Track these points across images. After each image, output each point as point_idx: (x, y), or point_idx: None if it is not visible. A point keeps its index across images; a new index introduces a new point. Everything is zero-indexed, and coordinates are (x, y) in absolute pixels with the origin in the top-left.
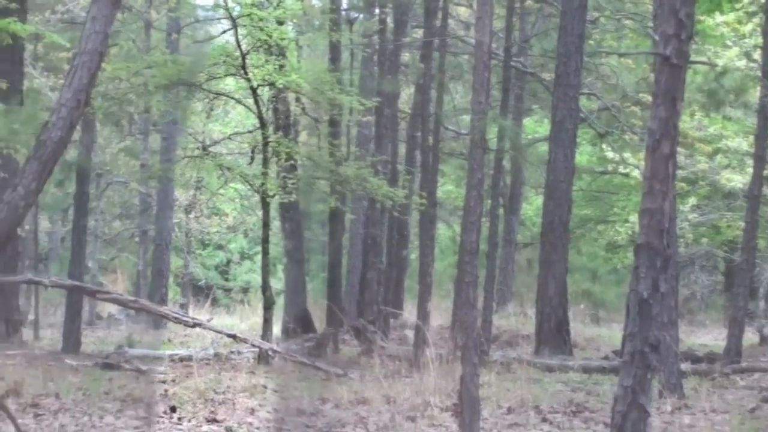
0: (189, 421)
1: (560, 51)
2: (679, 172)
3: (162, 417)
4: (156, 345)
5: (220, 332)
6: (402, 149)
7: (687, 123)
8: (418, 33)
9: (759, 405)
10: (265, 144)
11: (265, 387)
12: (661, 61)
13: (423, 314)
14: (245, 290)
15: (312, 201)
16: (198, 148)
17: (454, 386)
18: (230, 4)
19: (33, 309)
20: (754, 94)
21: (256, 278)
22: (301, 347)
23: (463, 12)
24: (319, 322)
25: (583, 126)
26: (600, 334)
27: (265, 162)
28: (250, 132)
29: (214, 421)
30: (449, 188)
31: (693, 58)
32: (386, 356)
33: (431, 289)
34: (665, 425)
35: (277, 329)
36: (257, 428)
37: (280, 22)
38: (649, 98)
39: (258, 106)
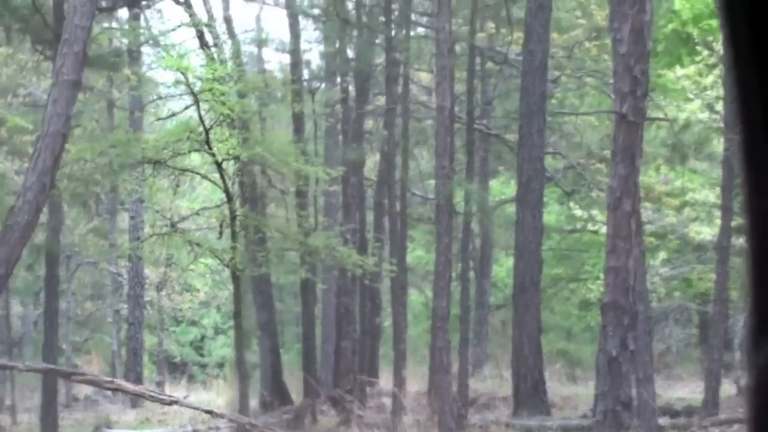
0: None
1: (523, 111)
2: (648, 227)
3: None
4: (134, 425)
5: (197, 409)
6: (370, 216)
7: (652, 177)
8: (381, 100)
9: None
10: (233, 218)
11: None
12: (619, 119)
13: (399, 381)
14: (221, 365)
15: (283, 272)
16: (166, 225)
17: None
18: (191, 80)
19: (9, 394)
20: (718, 146)
21: (231, 353)
22: (279, 420)
23: (424, 77)
24: (296, 393)
25: (550, 185)
26: (577, 392)
27: (234, 236)
28: (217, 206)
29: None
30: (419, 253)
31: (654, 113)
32: (364, 425)
33: (406, 356)
34: None
35: (254, 402)
36: None
37: (242, 95)
38: None
39: (224, 180)
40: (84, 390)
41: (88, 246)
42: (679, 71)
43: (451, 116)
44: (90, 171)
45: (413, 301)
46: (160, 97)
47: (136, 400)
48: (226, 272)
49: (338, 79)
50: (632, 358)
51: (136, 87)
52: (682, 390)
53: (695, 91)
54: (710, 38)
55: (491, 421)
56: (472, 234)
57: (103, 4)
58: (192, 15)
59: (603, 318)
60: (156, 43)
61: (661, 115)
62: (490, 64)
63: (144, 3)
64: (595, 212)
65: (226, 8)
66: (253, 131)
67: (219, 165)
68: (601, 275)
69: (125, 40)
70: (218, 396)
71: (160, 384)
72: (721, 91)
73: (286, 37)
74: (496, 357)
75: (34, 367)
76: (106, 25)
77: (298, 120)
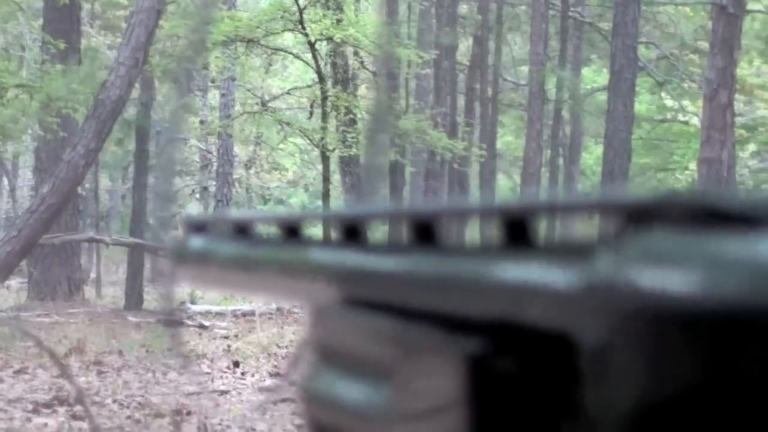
0: (252, 375)
1: (617, 0)
2: (738, 119)
3: (225, 372)
4: (218, 301)
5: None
6: (461, 101)
7: (745, 70)
8: None
9: None
10: (324, 98)
11: None
12: (718, 10)
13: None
14: None
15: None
16: (257, 104)
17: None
18: None
19: (95, 267)
20: None
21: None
22: None
23: None
24: None
25: (642, 75)
26: None
27: (324, 116)
28: (308, 87)
29: (277, 375)
30: (509, 139)
31: (752, 5)
32: None
33: None
34: None
35: None
36: None
37: None
38: (707, 46)
39: (316, 61)
40: (169, 265)
41: (178, 122)
42: None
43: (546, 2)
44: (183, 48)
45: (501, 186)
46: None
47: None
48: (315, 152)
49: None
50: None
51: None
52: None
53: None
54: None
55: None
56: (563, 121)
57: None
58: None
59: None
60: None
61: (759, 6)
62: None
63: None
64: (686, 103)
65: None
66: (347, 12)
67: (312, 45)
68: (690, 165)
69: None
70: None
71: None
72: None
73: None
74: None
75: (121, 240)
76: None
77: (392, 2)
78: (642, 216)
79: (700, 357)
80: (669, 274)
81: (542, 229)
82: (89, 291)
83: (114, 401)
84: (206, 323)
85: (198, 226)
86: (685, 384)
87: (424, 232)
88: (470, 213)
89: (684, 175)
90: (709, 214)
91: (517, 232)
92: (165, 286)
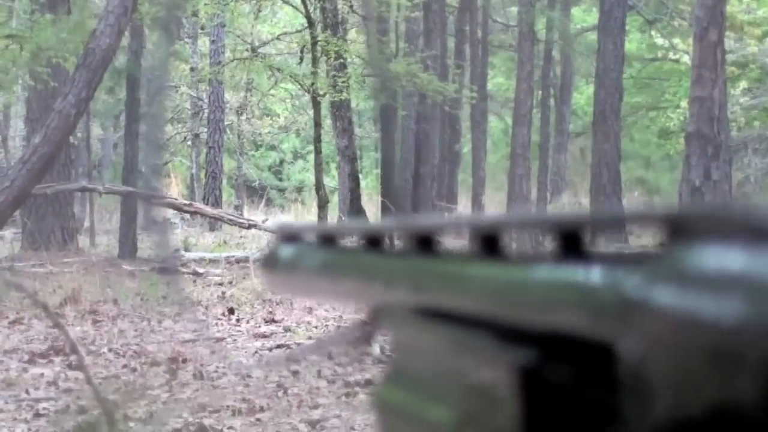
0: (247, 322)
1: None
2: (729, 56)
3: (220, 319)
4: (211, 248)
5: (275, 232)
6: (451, 44)
7: (735, 6)
8: None
9: None
10: (314, 43)
11: None
12: None
13: (477, 207)
14: (299, 189)
15: (363, 98)
16: (247, 50)
17: None
18: None
19: (88, 216)
20: None
21: (310, 177)
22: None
23: None
24: (374, 218)
25: (632, 13)
26: None
27: (315, 61)
28: (298, 32)
29: (272, 321)
30: (500, 81)
31: None
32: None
33: (485, 183)
34: None
35: None
36: (315, 327)
37: None
38: None
39: (305, 6)
40: (163, 213)
41: (168, 70)
42: None
43: None
44: None
45: (493, 128)
46: None
47: (214, 223)
48: (306, 97)
49: None
50: (715, 187)
51: None
52: None
53: None
54: None
55: None
56: (553, 61)
57: None
58: None
59: (686, 147)
60: None
61: None
62: None
63: None
64: (676, 41)
65: None
66: None
67: None
68: (682, 104)
69: None
70: (296, 220)
71: (238, 208)
72: None
73: None
74: (575, 184)
75: (114, 189)
76: None
77: None
78: (685, 230)
79: (733, 381)
80: (704, 295)
81: (592, 240)
82: (83, 240)
83: (110, 350)
84: (200, 270)
85: (290, 236)
86: (713, 404)
87: (488, 243)
88: (527, 225)
89: (675, 114)
90: (756, 231)
91: (570, 243)
92: (159, 234)
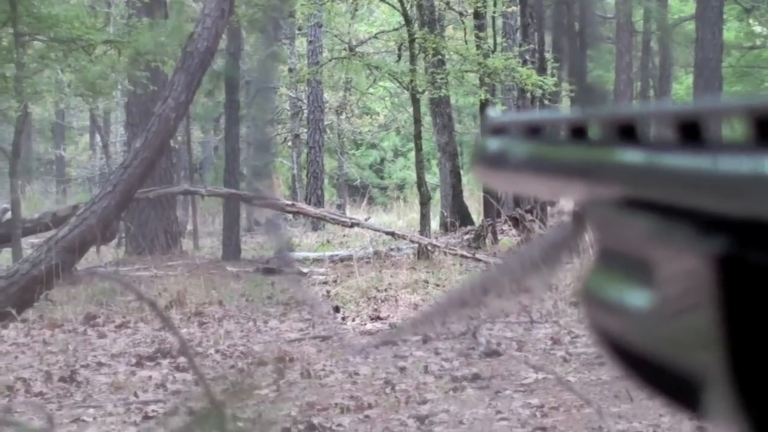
0: (353, 320)
1: None
2: None
3: (326, 318)
4: (315, 248)
5: (378, 230)
6: (548, 37)
7: None
8: None
9: None
10: (412, 40)
11: (426, 282)
12: None
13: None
14: (401, 187)
15: (462, 94)
16: (345, 49)
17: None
18: None
19: (191, 219)
20: None
21: (411, 175)
22: (459, 240)
23: None
24: (476, 214)
25: (729, 2)
26: None
27: (413, 58)
28: (395, 29)
29: (377, 318)
30: (598, 73)
31: None
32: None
33: None
34: None
35: (434, 224)
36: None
37: None
38: None
39: (402, 3)
40: (265, 214)
41: (269, 72)
42: None
43: None
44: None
45: None
46: None
47: (317, 223)
48: (405, 95)
49: None
50: None
51: None
52: None
53: None
54: None
55: None
56: (652, 52)
57: None
58: None
59: None
60: None
61: None
62: None
63: None
64: None
65: None
66: None
67: None
68: None
69: None
70: (399, 218)
71: (340, 207)
72: None
73: None
74: None
75: (216, 191)
76: None
77: None
78: None
79: None
80: None
81: None
82: (186, 243)
83: (216, 351)
84: (305, 270)
85: (498, 128)
86: None
87: (690, 131)
88: (728, 112)
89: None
90: None
91: (765, 129)
92: (277, 233)
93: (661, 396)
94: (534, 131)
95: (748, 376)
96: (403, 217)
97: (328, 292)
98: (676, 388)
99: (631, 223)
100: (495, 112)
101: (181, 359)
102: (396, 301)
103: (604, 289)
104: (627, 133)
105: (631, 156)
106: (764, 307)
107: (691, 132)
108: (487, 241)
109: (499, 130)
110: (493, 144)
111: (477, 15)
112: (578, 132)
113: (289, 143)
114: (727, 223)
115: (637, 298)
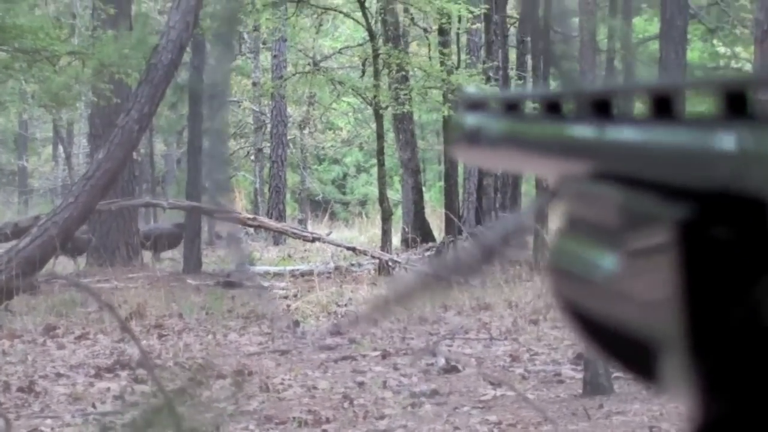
0: (312, 335)
1: None
2: None
3: (285, 331)
4: (276, 262)
5: (339, 245)
6: (512, 55)
7: None
8: None
9: None
10: (376, 56)
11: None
12: None
13: (541, 217)
14: (363, 203)
15: (425, 110)
16: (309, 64)
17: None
18: None
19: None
20: None
21: (373, 190)
22: (421, 256)
23: None
24: (438, 230)
25: (693, 22)
26: None
27: (377, 74)
28: (360, 45)
29: (337, 334)
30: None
31: None
32: (506, 262)
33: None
34: None
35: (396, 240)
36: (380, 338)
37: None
38: None
39: (366, 19)
40: (227, 228)
41: (230, 85)
42: None
43: None
44: (233, 10)
45: None
46: None
47: (278, 237)
48: (369, 110)
49: None
50: None
51: None
52: None
53: None
54: None
55: None
56: (615, 71)
57: None
58: None
59: None
60: None
61: None
62: None
63: None
64: (738, 49)
65: None
66: None
67: (362, 3)
68: None
69: None
70: (360, 233)
71: (302, 221)
72: None
73: None
74: None
75: (177, 204)
76: None
77: None
78: None
79: None
80: None
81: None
82: (147, 255)
83: (175, 363)
84: (265, 284)
85: (475, 104)
86: None
87: (662, 106)
88: (698, 87)
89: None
90: None
91: (735, 103)
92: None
93: (621, 366)
94: (510, 107)
95: (705, 343)
96: (365, 232)
97: (288, 306)
98: (636, 356)
99: (601, 195)
100: (472, 88)
101: (140, 371)
102: (356, 317)
103: (570, 258)
104: (600, 108)
105: (602, 131)
106: (722, 273)
107: (662, 107)
108: (447, 257)
109: (475, 106)
110: (470, 120)
111: (441, 31)
112: (553, 108)
113: (252, 157)
114: (691, 193)
115: (602, 264)
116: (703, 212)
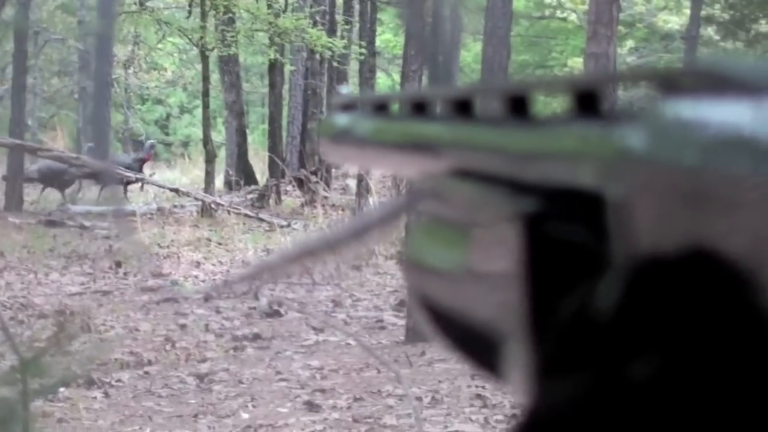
0: (134, 275)
1: None
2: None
3: (107, 272)
4: (98, 202)
5: (162, 186)
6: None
7: None
8: None
9: None
10: None
11: (209, 240)
12: None
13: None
14: (186, 144)
15: (251, 53)
16: (135, 3)
17: (399, 233)
18: None
19: None
20: None
21: (197, 132)
22: (243, 199)
23: None
24: (261, 174)
25: None
26: None
27: (203, 15)
28: None
29: (159, 275)
30: (388, 37)
31: None
32: (329, 206)
33: None
34: None
35: (219, 182)
36: (203, 281)
37: None
38: None
39: None
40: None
41: (56, 22)
42: None
43: None
44: None
45: (380, 84)
46: None
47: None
48: (194, 51)
49: None
50: None
51: None
52: None
53: None
54: None
55: None
56: (442, 18)
57: None
58: None
59: None
60: None
61: None
62: None
63: None
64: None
65: None
66: None
67: None
68: (569, 62)
69: None
70: (183, 175)
71: None
72: None
73: None
74: None
75: (1, 141)
76: None
77: None
78: (675, 85)
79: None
80: (672, 143)
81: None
82: None
83: None
84: (87, 224)
85: (346, 105)
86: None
87: (517, 105)
88: (550, 87)
89: (563, 72)
90: (722, 83)
91: (584, 102)
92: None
93: (469, 360)
94: (379, 108)
95: (539, 335)
96: (187, 174)
97: (110, 246)
98: (481, 348)
99: (456, 191)
100: (345, 89)
101: None
102: (178, 258)
103: (424, 253)
104: (462, 108)
105: (460, 130)
106: (557, 267)
107: (517, 107)
108: (270, 201)
109: (347, 106)
110: (340, 120)
111: None
112: (419, 108)
113: (75, 96)
114: (536, 190)
115: (451, 257)
116: (544, 207)
